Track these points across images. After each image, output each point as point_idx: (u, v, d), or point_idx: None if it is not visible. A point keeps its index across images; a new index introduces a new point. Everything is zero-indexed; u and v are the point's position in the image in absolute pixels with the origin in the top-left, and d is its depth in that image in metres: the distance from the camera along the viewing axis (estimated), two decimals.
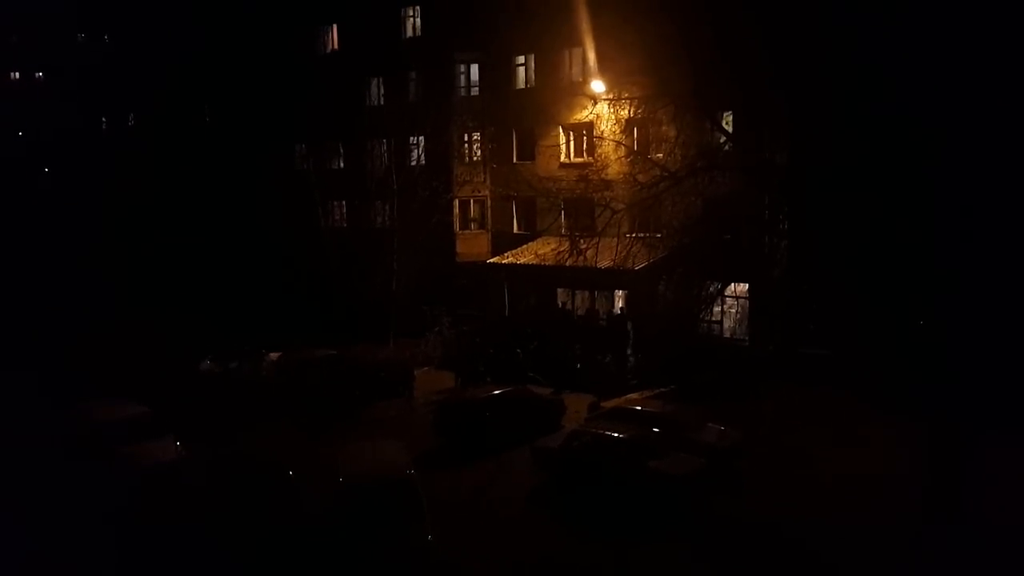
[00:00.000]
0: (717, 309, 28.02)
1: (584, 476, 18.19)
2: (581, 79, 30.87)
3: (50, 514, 17.47)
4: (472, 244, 35.16)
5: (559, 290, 31.44)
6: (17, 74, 57.16)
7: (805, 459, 19.70)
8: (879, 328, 18.73)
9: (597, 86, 28.59)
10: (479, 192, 35.24)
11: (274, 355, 28.82)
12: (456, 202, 35.18)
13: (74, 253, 43.91)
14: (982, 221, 14.68)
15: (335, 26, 40.08)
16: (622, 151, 28.12)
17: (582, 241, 24.66)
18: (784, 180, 20.67)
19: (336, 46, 40.26)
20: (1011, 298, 14.98)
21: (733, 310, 28.52)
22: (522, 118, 33.41)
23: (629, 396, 24.44)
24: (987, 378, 15.40)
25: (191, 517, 17.51)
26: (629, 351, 28.14)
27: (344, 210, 40.07)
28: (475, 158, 35.33)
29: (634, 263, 25.64)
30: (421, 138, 35.50)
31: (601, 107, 27.38)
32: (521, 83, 34.00)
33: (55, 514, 17.47)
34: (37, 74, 56.04)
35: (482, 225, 35.49)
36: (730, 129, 24.62)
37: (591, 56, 29.98)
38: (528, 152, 33.70)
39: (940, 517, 15.72)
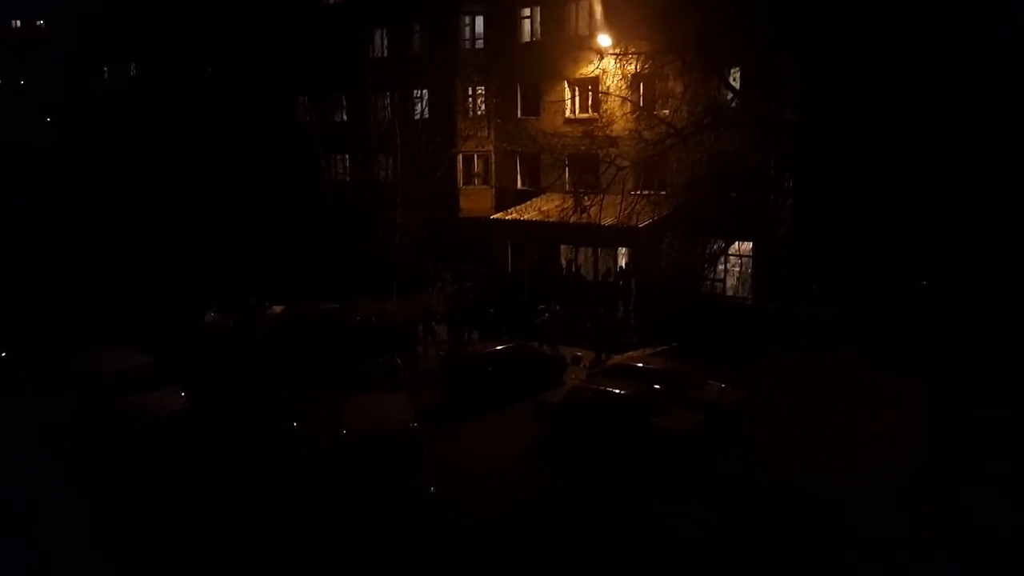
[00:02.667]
0: (720, 267, 27.96)
1: (584, 431, 18.32)
2: (588, 33, 30.41)
3: (55, 464, 17.63)
4: (475, 200, 35.01)
5: (563, 247, 31.39)
6: (18, 22, 56.51)
7: (806, 417, 19.80)
8: (883, 288, 18.74)
9: (604, 40, 28.14)
10: (483, 147, 35.00)
11: (277, 308, 29.02)
12: (460, 157, 34.97)
13: (77, 204, 43.75)
14: (988, 180, 14.60)
15: None
16: (628, 107, 27.84)
17: (586, 198, 24.60)
18: (791, 137, 20.53)
19: None
20: (1014, 258, 14.95)
21: (736, 268, 28.45)
22: (527, 72, 33.02)
23: (631, 353, 24.53)
24: (990, 337, 15.40)
25: (197, 465, 17.78)
26: (632, 308, 28.18)
27: (347, 163, 39.87)
28: (479, 112, 35.03)
29: (638, 220, 25.55)
30: (425, 91, 35.16)
31: (607, 62, 26.96)
32: (527, 36, 33.54)
33: (60, 464, 17.64)
34: (38, 22, 55.40)
35: (486, 181, 35.32)
36: (738, 86, 24.36)
37: (598, 9, 29.56)
38: (533, 107, 33.38)
39: (941, 476, 15.82)
